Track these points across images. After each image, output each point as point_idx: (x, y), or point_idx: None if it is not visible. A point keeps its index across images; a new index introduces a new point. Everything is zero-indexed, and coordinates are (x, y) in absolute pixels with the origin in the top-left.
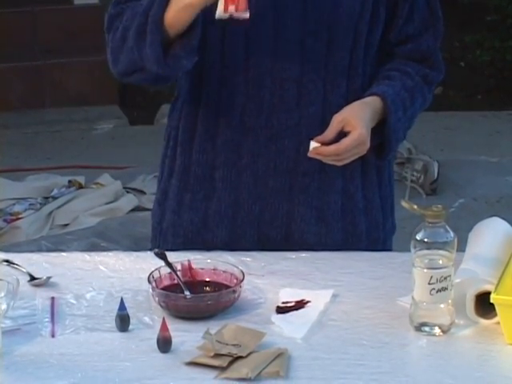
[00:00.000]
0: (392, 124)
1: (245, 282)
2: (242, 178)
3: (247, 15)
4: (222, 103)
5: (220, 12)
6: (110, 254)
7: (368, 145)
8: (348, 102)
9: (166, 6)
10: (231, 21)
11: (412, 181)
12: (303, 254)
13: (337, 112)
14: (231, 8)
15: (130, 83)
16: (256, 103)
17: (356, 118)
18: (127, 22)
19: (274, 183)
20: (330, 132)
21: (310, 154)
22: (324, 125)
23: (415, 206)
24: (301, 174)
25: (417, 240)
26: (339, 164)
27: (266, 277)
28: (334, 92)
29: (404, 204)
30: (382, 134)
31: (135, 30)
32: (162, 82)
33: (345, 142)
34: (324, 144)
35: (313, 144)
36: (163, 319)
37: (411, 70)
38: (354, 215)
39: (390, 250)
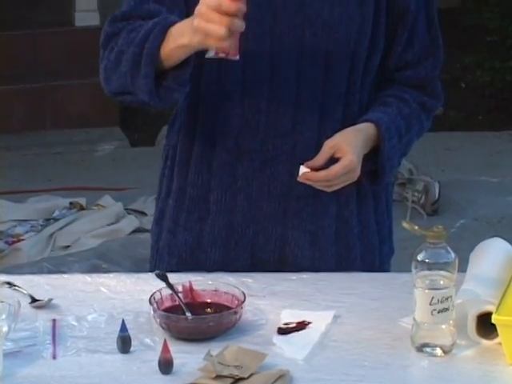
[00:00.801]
0: (386, 151)
1: (246, 303)
2: (237, 201)
3: (237, 58)
4: (218, 125)
5: (210, 53)
6: (111, 275)
7: (358, 172)
8: (344, 127)
9: (163, 40)
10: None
11: (413, 201)
12: (304, 275)
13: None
14: (222, 54)
15: (122, 103)
16: (252, 127)
17: (347, 145)
18: (123, 46)
19: (267, 207)
20: (321, 157)
21: (299, 179)
22: (319, 150)
23: (416, 227)
24: (294, 198)
25: (418, 261)
26: (329, 190)
27: (267, 298)
28: (329, 118)
29: (405, 225)
30: (376, 160)
31: (130, 58)
32: (151, 107)
33: (335, 168)
34: (314, 169)
35: (302, 169)
36: (164, 341)
37: (408, 97)
38: (348, 240)
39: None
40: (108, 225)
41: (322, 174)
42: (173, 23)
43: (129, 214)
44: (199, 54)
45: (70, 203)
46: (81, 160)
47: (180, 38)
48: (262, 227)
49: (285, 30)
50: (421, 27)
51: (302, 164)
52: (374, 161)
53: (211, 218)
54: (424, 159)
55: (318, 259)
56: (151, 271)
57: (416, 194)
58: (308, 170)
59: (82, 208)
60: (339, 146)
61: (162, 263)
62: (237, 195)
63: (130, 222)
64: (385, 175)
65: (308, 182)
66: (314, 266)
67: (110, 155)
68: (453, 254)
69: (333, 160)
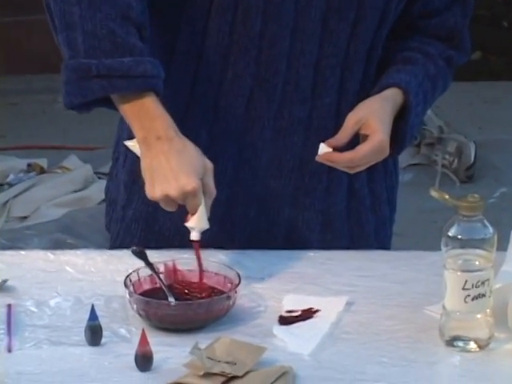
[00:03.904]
0: (410, 121)
1: (241, 286)
2: (239, 174)
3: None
4: (226, 84)
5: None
6: (79, 252)
7: (387, 152)
8: (363, 87)
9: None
10: None
11: (443, 165)
12: (311, 253)
13: (352, 102)
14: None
15: None
16: (267, 90)
17: (376, 120)
18: (98, 21)
19: (275, 184)
20: (344, 135)
21: (318, 159)
22: (338, 116)
23: (447, 196)
24: (308, 174)
25: (449, 237)
26: (351, 172)
27: (266, 280)
28: (351, 79)
29: (433, 193)
30: (396, 129)
31: (87, 61)
32: None
33: (362, 149)
34: (336, 148)
35: (323, 148)
36: (143, 331)
37: (435, 52)
38: (360, 214)
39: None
40: (74, 191)
41: (348, 156)
42: (157, 87)
43: (99, 178)
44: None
45: (28, 165)
46: (41, 112)
47: (138, 123)
48: (267, 207)
49: None
50: None
51: (323, 142)
52: (395, 130)
53: None
54: (457, 114)
55: (328, 242)
56: (113, 246)
57: (447, 156)
58: (330, 149)
59: (42, 171)
60: (366, 121)
61: (129, 237)
62: (240, 167)
63: (101, 188)
64: (403, 146)
65: (329, 163)
66: (323, 249)
67: None
68: (491, 229)
69: (356, 135)
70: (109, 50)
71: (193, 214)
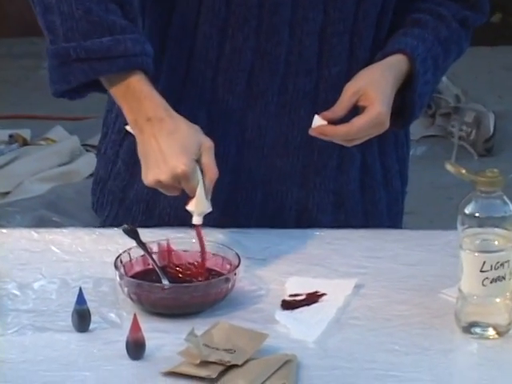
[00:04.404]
0: (418, 89)
1: (241, 267)
2: (243, 156)
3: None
4: (224, 59)
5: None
6: (65, 230)
7: (387, 125)
8: (374, 55)
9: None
10: None
11: (460, 137)
12: (317, 232)
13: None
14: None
15: None
16: (269, 63)
17: (375, 91)
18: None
19: (282, 164)
20: (341, 107)
21: (311, 132)
22: None
23: (464, 171)
24: (317, 151)
25: (465, 215)
26: (348, 145)
27: (268, 261)
28: (361, 46)
29: (449, 167)
30: (404, 99)
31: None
32: None
33: (358, 122)
34: (332, 121)
35: (317, 120)
36: (134, 316)
37: (447, 13)
38: (373, 191)
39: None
40: (60, 165)
41: (342, 129)
42: (146, 65)
43: (87, 150)
44: None
45: (10, 136)
46: (25, 79)
47: (127, 104)
48: (274, 189)
49: None
50: None
51: (318, 114)
52: (401, 99)
53: None
54: (475, 81)
55: (343, 222)
56: (103, 224)
57: (464, 127)
58: (324, 122)
59: (25, 142)
60: (365, 92)
61: (129, 218)
62: (244, 149)
63: (89, 162)
64: (412, 116)
65: (323, 137)
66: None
67: None
68: (511, 206)
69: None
70: (86, 31)
71: (192, 197)
